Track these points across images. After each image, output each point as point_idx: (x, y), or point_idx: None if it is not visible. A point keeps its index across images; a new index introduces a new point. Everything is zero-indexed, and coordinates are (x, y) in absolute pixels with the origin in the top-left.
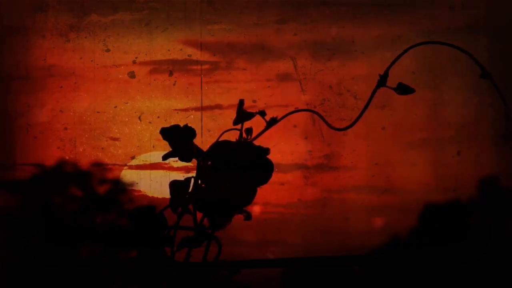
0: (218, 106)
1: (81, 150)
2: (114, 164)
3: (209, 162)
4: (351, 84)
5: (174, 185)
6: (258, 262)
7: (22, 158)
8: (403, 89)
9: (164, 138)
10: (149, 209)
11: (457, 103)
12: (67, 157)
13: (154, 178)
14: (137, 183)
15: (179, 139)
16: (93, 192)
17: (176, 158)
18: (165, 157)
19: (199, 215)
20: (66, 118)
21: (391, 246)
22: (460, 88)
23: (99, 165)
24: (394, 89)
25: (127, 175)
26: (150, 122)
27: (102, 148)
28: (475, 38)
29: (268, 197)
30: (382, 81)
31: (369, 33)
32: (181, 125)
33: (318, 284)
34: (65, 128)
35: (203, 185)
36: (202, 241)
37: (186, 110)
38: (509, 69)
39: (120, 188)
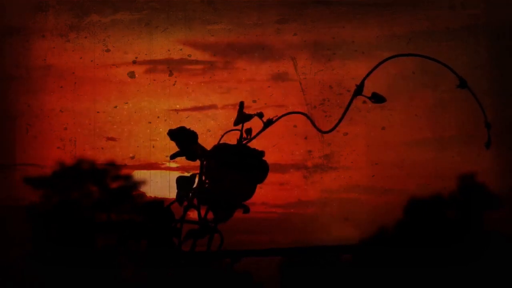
0: (219, 106)
1: (81, 150)
2: (113, 164)
3: (212, 161)
4: (351, 84)
5: (180, 180)
6: (258, 252)
7: (22, 158)
8: (377, 98)
9: (172, 139)
10: (158, 203)
11: (457, 103)
12: (66, 157)
13: (153, 177)
14: (138, 182)
15: (185, 140)
16: (91, 191)
17: (174, 159)
18: (172, 157)
19: (203, 209)
20: (66, 118)
21: (388, 246)
22: (460, 88)
23: (99, 165)
24: (369, 98)
25: (127, 174)
26: (150, 122)
27: (102, 148)
28: (475, 38)
29: (268, 197)
30: (359, 90)
31: (369, 33)
32: (181, 125)
33: (313, 271)
34: (65, 128)
35: (207, 181)
36: (206, 233)
37: (186, 110)
38: (509, 69)
39: (121, 187)
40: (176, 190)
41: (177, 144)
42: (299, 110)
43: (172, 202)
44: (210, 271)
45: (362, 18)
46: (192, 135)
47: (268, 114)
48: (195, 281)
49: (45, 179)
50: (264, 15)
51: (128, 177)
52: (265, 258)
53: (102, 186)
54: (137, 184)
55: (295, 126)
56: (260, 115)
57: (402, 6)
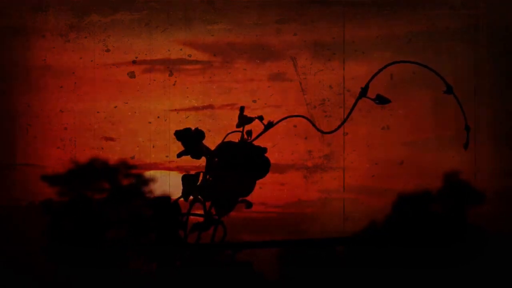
0: (219, 106)
1: (81, 150)
2: (114, 164)
3: (216, 159)
4: (351, 84)
5: (186, 178)
6: (258, 243)
7: (22, 158)
8: (381, 99)
9: (178, 139)
10: (165, 198)
11: (457, 103)
12: (66, 157)
13: (153, 177)
14: (139, 182)
15: (191, 140)
16: (94, 190)
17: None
18: (179, 155)
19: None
20: (66, 118)
21: (387, 245)
22: (459, 88)
23: (99, 165)
24: (373, 99)
25: (128, 174)
26: (150, 122)
27: (102, 148)
28: (475, 38)
29: (269, 197)
30: (363, 92)
31: (369, 33)
32: (181, 124)
33: (307, 260)
34: (65, 128)
35: (210, 179)
36: (210, 226)
37: (186, 110)
38: (509, 69)
39: (122, 186)
40: (177, 189)
41: (183, 144)
42: (299, 110)
43: (179, 197)
44: (214, 260)
45: (362, 18)
46: (199, 135)
47: (268, 114)
48: (200, 271)
49: (49, 178)
50: (264, 15)
51: (129, 177)
52: (265, 250)
53: (104, 185)
54: (138, 183)
55: (295, 126)
56: (261, 118)
57: (402, 6)
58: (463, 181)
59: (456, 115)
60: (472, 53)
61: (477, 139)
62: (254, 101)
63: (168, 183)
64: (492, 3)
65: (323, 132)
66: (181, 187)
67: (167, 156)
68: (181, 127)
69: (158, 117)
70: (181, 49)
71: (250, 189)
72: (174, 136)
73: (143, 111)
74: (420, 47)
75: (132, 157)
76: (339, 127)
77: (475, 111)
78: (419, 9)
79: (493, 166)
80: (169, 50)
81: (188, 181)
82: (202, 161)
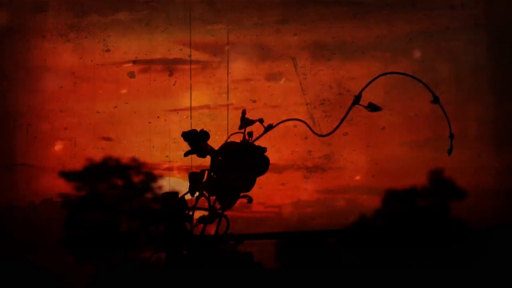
0: (218, 106)
1: (81, 150)
2: (115, 164)
3: (220, 158)
4: (351, 84)
5: (192, 175)
6: (258, 235)
7: (22, 158)
8: (372, 107)
9: (185, 139)
10: (173, 194)
11: (457, 103)
12: (66, 157)
13: (154, 177)
14: (141, 181)
15: (196, 140)
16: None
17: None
18: (186, 154)
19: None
20: (66, 118)
21: (386, 244)
22: (459, 88)
23: (99, 165)
24: (366, 107)
25: (130, 173)
26: (150, 122)
27: (102, 148)
28: (475, 38)
29: (269, 197)
30: (357, 100)
31: (369, 33)
32: (181, 124)
33: (305, 252)
34: (65, 128)
35: (215, 176)
36: (214, 219)
37: (186, 110)
38: (509, 69)
39: (125, 185)
40: (177, 188)
41: (189, 144)
42: (299, 110)
43: (185, 193)
44: (218, 251)
45: (362, 18)
46: (204, 135)
47: (268, 114)
48: (205, 260)
49: (49, 178)
50: (264, 15)
51: (130, 176)
52: (264, 241)
53: (104, 185)
54: (139, 182)
55: (295, 126)
56: (261, 121)
57: (402, 6)
58: (463, 180)
59: (455, 115)
60: (472, 53)
61: (477, 139)
62: (254, 101)
63: (168, 183)
64: (492, 3)
65: (318, 135)
66: (179, 187)
67: (167, 156)
68: (181, 127)
69: (158, 117)
70: (181, 49)
71: (251, 185)
72: (174, 136)
73: (143, 111)
74: (420, 47)
75: (132, 157)
76: (333, 131)
77: (475, 111)
78: (419, 9)
79: (493, 165)
80: (169, 50)
81: (194, 178)
82: (202, 161)
